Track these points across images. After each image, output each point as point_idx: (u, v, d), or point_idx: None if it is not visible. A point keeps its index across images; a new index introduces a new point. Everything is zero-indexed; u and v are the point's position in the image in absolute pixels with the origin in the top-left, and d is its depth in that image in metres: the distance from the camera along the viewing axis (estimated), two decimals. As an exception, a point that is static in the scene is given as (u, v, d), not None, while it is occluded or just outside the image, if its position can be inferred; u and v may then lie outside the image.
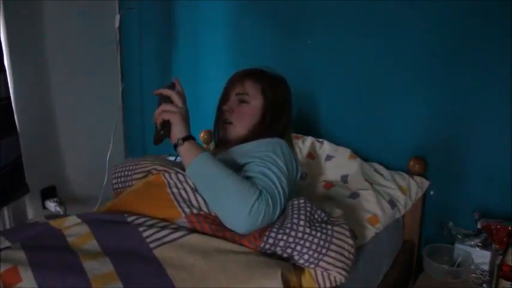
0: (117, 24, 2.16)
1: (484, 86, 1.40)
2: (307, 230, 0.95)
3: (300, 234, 0.95)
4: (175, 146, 1.03)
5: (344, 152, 1.58)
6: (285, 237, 0.95)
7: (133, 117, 2.39)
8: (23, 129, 1.87)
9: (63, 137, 2.12)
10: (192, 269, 0.85)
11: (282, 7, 1.79)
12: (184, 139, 1.02)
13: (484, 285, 1.25)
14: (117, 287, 0.79)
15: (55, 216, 1.04)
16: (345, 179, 1.50)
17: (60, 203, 2.02)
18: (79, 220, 0.93)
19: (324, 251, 0.95)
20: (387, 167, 1.54)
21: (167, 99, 1.06)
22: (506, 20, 1.33)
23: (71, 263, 0.82)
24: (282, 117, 1.25)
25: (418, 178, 1.48)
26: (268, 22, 1.84)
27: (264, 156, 1.06)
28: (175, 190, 1.00)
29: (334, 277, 0.96)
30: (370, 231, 1.28)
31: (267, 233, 0.96)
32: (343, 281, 0.97)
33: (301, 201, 1.03)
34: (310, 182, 1.52)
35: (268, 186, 1.00)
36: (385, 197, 1.38)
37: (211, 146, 1.57)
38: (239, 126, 1.21)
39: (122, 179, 1.16)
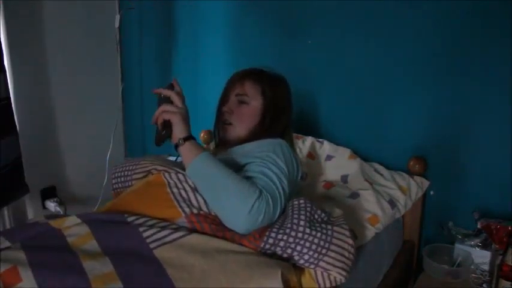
0: (117, 24, 2.16)
1: (484, 86, 1.40)
2: (307, 230, 0.95)
3: (300, 235, 0.95)
4: (176, 146, 1.03)
5: (344, 152, 1.58)
6: (285, 238, 0.95)
7: (133, 117, 2.39)
8: (23, 129, 1.87)
9: (63, 137, 2.12)
10: (192, 269, 0.85)
11: (282, 7, 1.79)
12: (185, 139, 1.02)
13: (484, 285, 1.25)
14: (117, 287, 0.79)
15: (55, 216, 1.04)
16: (345, 179, 1.50)
17: (60, 203, 2.01)
18: (79, 220, 0.93)
19: (324, 251, 0.94)
20: (387, 167, 1.54)
21: (166, 100, 1.06)
22: (506, 20, 1.33)
23: (71, 263, 0.82)
24: (282, 118, 1.25)
25: (418, 178, 1.48)
26: (268, 22, 1.85)
27: (264, 157, 1.06)
28: (175, 190, 1.00)
29: (334, 277, 0.96)
30: (370, 231, 1.28)
31: (267, 233, 0.96)
32: (343, 281, 0.97)
33: (301, 201, 1.03)
34: (310, 182, 1.52)
35: (269, 186, 1.00)
36: (385, 197, 1.38)
37: (212, 146, 1.57)
38: (239, 127, 1.21)
39: (122, 179, 1.16)
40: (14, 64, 1.85)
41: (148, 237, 0.89)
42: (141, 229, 0.90)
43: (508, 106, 1.36)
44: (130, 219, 0.93)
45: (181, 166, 1.06)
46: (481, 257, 1.28)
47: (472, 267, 1.28)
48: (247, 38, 1.92)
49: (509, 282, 1.12)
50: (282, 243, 0.95)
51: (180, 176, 1.02)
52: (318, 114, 1.77)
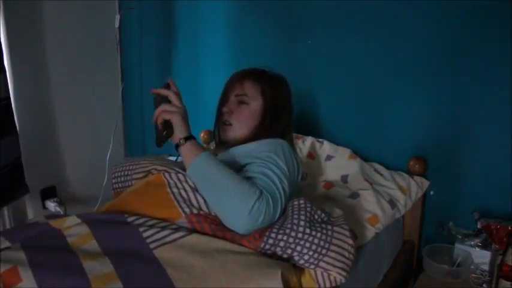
0: (117, 24, 2.16)
1: (484, 86, 1.40)
2: (307, 231, 0.95)
3: (300, 235, 0.95)
4: (177, 146, 1.03)
5: (344, 152, 1.58)
6: (285, 238, 0.95)
7: (133, 117, 2.39)
8: (23, 129, 1.87)
9: (63, 137, 2.11)
10: (192, 269, 0.85)
11: (282, 7, 1.79)
12: (186, 139, 1.02)
13: (484, 285, 1.25)
14: (117, 287, 0.79)
15: (55, 216, 1.04)
16: (345, 179, 1.50)
17: (60, 203, 2.01)
18: (79, 220, 0.93)
19: (324, 251, 0.94)
20: (387, 167, 1.54)
21: (164, 100, 1.06)
22: (506, 20, 1.33)
23: (71, 263, 0.82)
24: (282, 118, 1.25)
25: (418, 178, 1.48)
26: (268, 22, 1.85)
27: (265, 157, 1.06)
28: (175, 190, 1.00)
29: (334, 277, 0.96)
30: (370, 231, 1.28)
31: (267, 234, 0.96)
32: (343, 281, 0.97)
33: (301, 201, 1.03)
34: (310, 182, 1.52)
35: (269, 186, 1.00)
36: (385, 197, 1.38)
37: (212, 146, 1.57)
38: (239, 128, 1.20)
39: (122, 179, 1.16)
40: (14, 64, 1.85)
41: (148, 237, 0.89)
42: (141, 229, 0.90)
43: (508, 106, 1.36)
44: (130, 219, 0.93)
45: (181, 166, 1.06)
46: (481, 257, 1.28)
47: (472, 267, 1.28)
48: (247, 38, 1.92)
49: (509, 282, 1.12)
50: (282, 244, 0.95)
51: (180, 176, 1.02)
52: (318, 114, 1.77)
